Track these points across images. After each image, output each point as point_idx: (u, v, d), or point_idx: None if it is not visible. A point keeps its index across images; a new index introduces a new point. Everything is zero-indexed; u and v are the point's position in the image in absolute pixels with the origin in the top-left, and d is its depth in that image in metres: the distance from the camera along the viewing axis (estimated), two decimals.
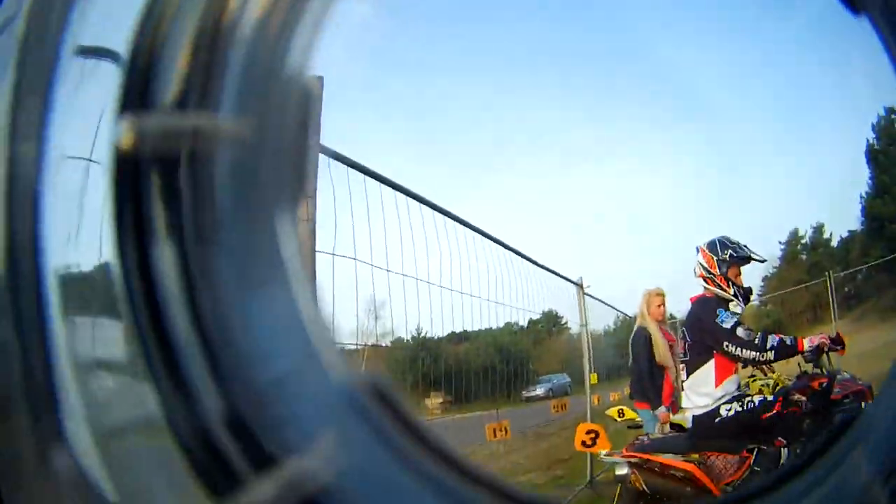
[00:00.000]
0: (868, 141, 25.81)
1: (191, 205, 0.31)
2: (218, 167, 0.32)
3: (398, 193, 2.64)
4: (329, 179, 2.09)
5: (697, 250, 2.85)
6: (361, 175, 2.35)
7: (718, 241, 2.79)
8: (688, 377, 2.75)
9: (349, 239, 2.25)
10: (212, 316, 0.31)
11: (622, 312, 8.42)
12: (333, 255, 2.09)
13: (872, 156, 25.59)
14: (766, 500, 0.44)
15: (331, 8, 0.35)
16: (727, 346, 2.57)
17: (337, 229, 2.13)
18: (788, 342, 2.55)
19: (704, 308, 2.71)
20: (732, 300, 2.72)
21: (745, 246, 2.78)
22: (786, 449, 2.44)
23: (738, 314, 2.67)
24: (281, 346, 0.34)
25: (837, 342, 2.71)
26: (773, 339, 2.53)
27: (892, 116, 25.88)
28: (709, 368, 2.65)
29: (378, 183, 2.51)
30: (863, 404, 2.62)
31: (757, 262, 2.85)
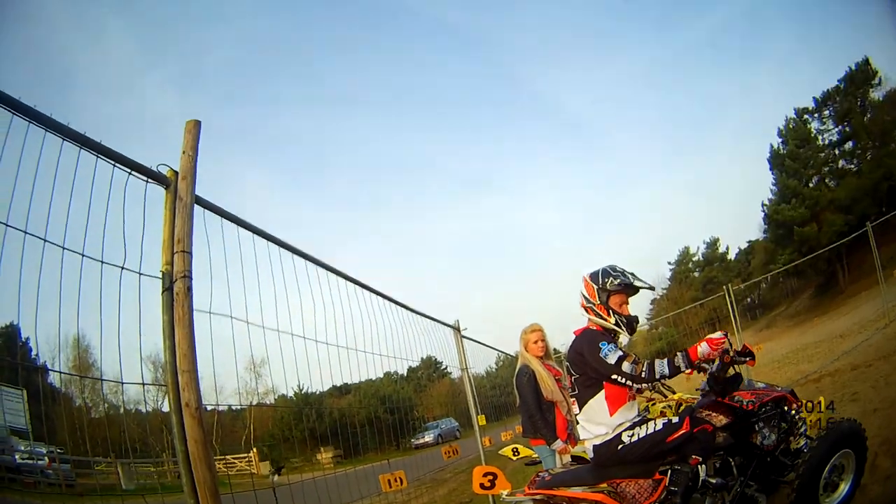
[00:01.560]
0: (772, 146, 28.68)
1: None
2: None
3: (271, 244, 2.55)
4: (203, 231, 2.08)
5: (582, 280, 2.79)
6: (235, 226, 2.30)
7: (602, 269, 2.72)
8: (580, 410, 2.68)
9: (225, 295, 2.19)
10: None
11: (503, 352, 8.69)
12: (210, 313, 2.04)
13: (777, 161, 28.19)
14: None
15: None
16: (615, 377, 2.50)
17: (212, 284, 2.08)
18: (682, 365, 2.47)
19: (586, 342, 2.61)
20: (617, 330, 2.66)
21: (632, 274, 2.71)
22: (702, 465, 2.44)
23: (621, 344, 2.59)
24: None
25: (745, 353, 2.74)
26: (661, 367, 2.46)
27: (805, 117, 28.67)
28: (600, 399, 2.58)
29: (252, 234, 2.44)
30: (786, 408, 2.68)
31: (645, 290, 2.77)
